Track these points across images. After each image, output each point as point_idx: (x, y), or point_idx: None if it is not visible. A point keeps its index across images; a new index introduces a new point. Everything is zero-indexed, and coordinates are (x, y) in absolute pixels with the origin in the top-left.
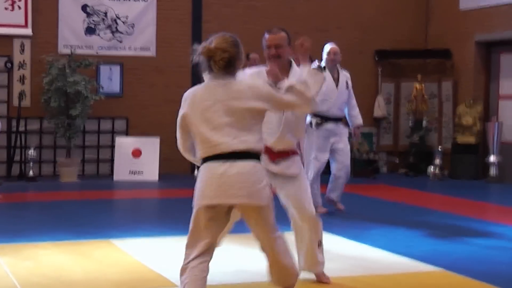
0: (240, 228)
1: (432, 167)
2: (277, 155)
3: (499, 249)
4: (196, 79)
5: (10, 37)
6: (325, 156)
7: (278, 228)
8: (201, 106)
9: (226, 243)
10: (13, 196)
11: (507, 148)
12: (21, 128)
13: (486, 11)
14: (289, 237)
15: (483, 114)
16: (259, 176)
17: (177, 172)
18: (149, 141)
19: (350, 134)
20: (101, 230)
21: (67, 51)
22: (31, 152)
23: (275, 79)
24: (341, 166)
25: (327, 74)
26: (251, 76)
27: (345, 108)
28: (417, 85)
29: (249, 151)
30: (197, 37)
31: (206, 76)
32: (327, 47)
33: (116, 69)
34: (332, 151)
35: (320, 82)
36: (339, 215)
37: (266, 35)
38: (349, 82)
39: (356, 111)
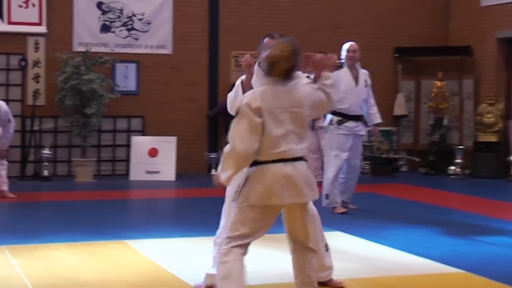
0: None
1: (452, 166)
2: None
3: None
4: (213, 78)
5: (24, 35)
6: (345, 154)
7: None
8: (274, 111)
9: None
10: (27, 195)
11: None
12: (36, 127)
13: (508, 7)
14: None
15: (505, 112)
16: (311, 174)
17: (194, 171)
18: (165, 140)
19: (368, 132)
20: (115, 230)
21: (82, 49)
22: (46, 152)
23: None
24: (353, 169)
25: (346, 72)
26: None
27: (364, 106)
28: (438, 83)
29: (304, 155)
30: (213, 35)
31: (262, 77)
32: (346, 45)
33: (132, 67)
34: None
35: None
36: (357, 216)
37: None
38: (368, 80)
39: (375, 110)
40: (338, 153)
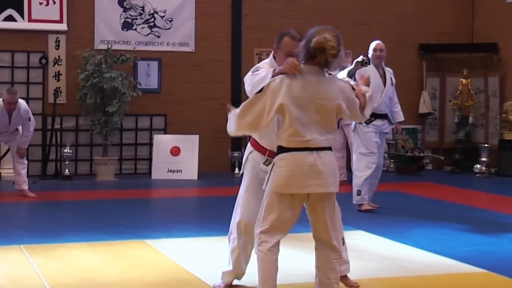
0: None
1: (478, 164)
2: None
3: None
4: (236, 75)
5: (45, 33)
6: (376, 151)
7: None
8: (299, 100)
9: None
10: (48, 195)
11: None
12: (57, 126)
13: None
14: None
15: None
16: (336, 165)
17: (217, 170)
18: (188, 138)
19: (391, 130)
20: (136, 230)
21: (103, 46)
22: (67, 150)
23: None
24: (377, 167)
25: (374, 70)
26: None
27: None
28: (463, 80)
29: (330, 146)
30: (236, 32)
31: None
32: (373, 44)
33: (154, 65)
34: None
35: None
36: (380, 214)
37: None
38: (393, 79)
39: (398, 108)
40: (370, 150)
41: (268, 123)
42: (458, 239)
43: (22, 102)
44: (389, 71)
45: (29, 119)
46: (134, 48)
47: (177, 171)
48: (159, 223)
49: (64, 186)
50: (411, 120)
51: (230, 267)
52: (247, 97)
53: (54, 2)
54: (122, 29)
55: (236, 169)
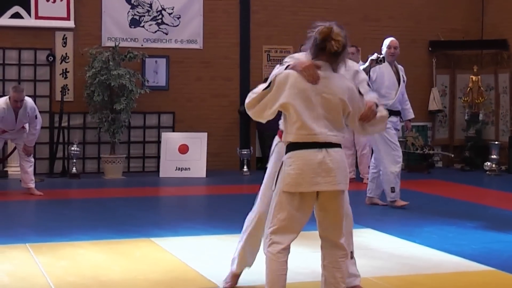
0: None
1: (488, 161)
2: None
3: None
4: (245, 72)
5: (52, 30)
6: (398, 146)
7: None
8: (306, 93)
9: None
10: (55, 193)
11: None
12: (64, 124)
13: None
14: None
15: None
16: (346, 162)
17: (225, 168)
18: (196, 136)
19: (401, 127)
20: (143, 228)
21: (111, 43)
22: (74, 148)
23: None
24: None
25: (388, 67)
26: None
27: None
28: (473, 77)
29: (339, 143)
30: (245, 29)
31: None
32: (387, 41)
33: (162, 62)
34: None
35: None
36: (389, 212)
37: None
38: (404, 76)
39: (409, 105)
40: (394, 144)
41: (271, 116)
42: (467, 237)
43: (28, 99)
44: (401, 69)
45: (36, 117)
46: (142, 45)
47: (185, 169)
48: (166, 222)
49: (71, 184)
50: (421, 118)
51: (235, 255)
52: None
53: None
54: (130, 26)
55: (245, 167)
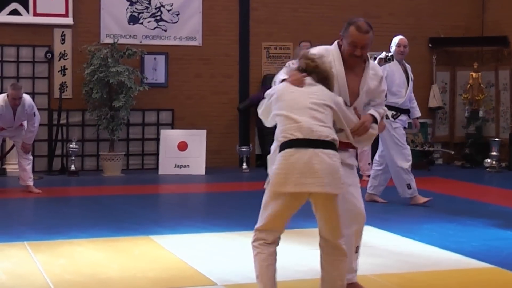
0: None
1: (489, 158)
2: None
3: None
4: (244, 70)
5: (51, 27)
6: (406, 144)
7: None
8: (291, 98)
9: None
10: (54, 190)
11: None
12: (63, 121)
13: None
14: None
15: None
16: (338, 165)
17: (225, 165)
18: (195, 133)
19: (409, 125)
20: (142, 226)
21: (109, 40)
22: (73, 146)
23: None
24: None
25: (397, 66)
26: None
27: None
28: (473, 74)
29: (329, 140)
30: (244, 26)
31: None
32: (396, 39)
33: (161, 59)
34: None
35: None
36: (389, 210)
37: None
38: (412, 75)
39: (415, 103)
40: (404, 143)
41: (271, 123)
42: (467, 234)
43: (26, 97)
44: (408, 68)
45: (34, 114)
46: (141, 42)
47: (185, 166)
48: (165, 219)
49: (70, 181)
50: (421, 114)
51: None
52: (256, 91)
53: None
54: (129, 23)
55: (244, 164)
